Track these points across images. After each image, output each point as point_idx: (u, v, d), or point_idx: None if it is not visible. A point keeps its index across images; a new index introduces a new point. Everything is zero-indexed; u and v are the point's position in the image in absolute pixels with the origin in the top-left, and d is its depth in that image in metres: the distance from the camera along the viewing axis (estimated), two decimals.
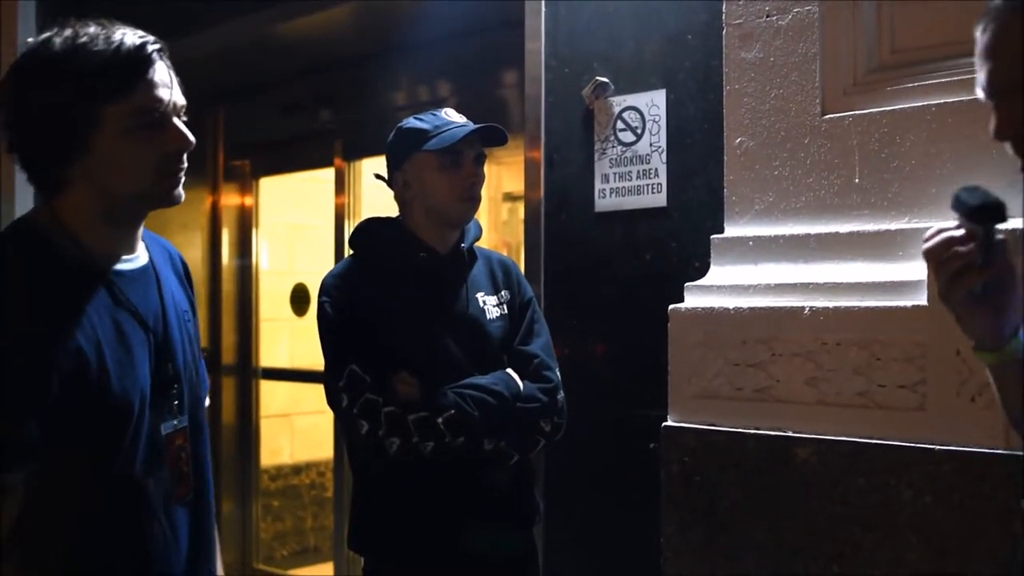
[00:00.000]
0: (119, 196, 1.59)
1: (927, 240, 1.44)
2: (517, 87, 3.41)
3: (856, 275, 2.13)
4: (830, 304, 2.11)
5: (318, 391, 2.29)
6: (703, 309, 2.31)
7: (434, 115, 2.28)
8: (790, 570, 2.11)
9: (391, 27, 3.75)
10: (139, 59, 1.54)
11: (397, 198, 2.33)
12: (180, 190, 1.63)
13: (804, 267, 2.23)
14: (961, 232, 1.40)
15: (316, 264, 5.12)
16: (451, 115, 2.28)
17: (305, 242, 5.63)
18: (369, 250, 2.30)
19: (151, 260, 1.73)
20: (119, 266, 1.64)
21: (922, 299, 1.99)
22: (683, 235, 2.70)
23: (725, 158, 2.39)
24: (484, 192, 2.36)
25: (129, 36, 1.55)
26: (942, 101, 2.10)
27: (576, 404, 2.35)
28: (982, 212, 1.38)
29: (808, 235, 2.24)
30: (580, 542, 2.89)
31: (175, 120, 1.60)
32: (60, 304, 1.52)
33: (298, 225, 5.65)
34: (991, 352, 1.46)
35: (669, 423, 2.32)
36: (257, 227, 5.03)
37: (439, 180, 2.22)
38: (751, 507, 2.18)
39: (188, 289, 1.85)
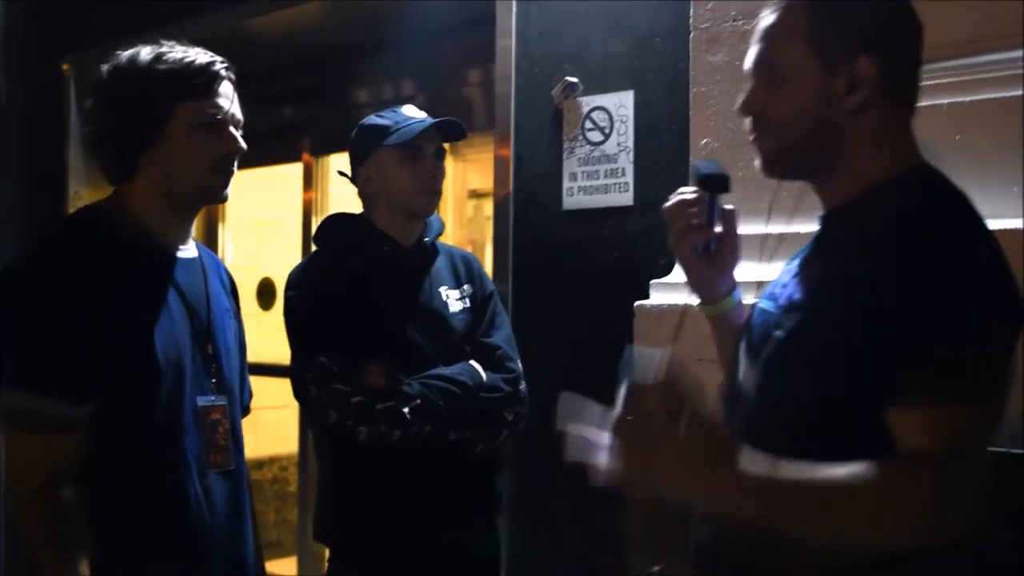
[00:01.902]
0: (178, 185, 1.86)
1: (668, 201, 1.67)
2: (487, 86, 3.44)
3: None
4: None
5: (283, 385, 2.33)
6: (668, 305, 2.35)
7: (394, 111, 2.34)
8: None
9: (362, 24, 3.77)
10: (210, 70, 1.85)
11: (360, 194, 2.38)
12: (228, 191, 1.91)
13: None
14: (693, 197, 1.64)
15: (282, 259, 5.12)
16: (411, 111, 2.34)
17: (271, 237, 5.62)
18: (334, 245, 2.34)
19: (201, 258, 2.00)
20: (172, 252, 1.92)
21: None
22: (649, 233, 2.74)
23: (691, 158, 2.44)
24: (449, 189, 2.41)
25: (204, 54, 1.88)
26: None
27: (542, 397, 2.39)
28: (708, 181, 1.65)
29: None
30: (543, 532, 2.93)
31: (232, 128, 1.88)
32: (119, 277, 1.78)
33: (264, 220, 5.65)
34: (710, 306, 1.75)
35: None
36: (223, 221, 5.03)
37: (400, 174, 2.27)
38: None
39: (232, 298, 2.10)
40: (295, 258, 4.51)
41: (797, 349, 1.37)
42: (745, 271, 2.27)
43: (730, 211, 1.72)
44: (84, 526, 1.71)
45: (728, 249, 1.72)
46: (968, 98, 2.06)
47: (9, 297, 1.76)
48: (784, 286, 1.52)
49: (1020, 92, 2.00)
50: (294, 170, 4.58)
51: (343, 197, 4.42)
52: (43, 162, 4.78)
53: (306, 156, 4.44)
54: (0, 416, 1.74)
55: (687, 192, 1.67)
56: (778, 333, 1.42)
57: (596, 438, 1.25)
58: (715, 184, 1.66)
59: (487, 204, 6.24)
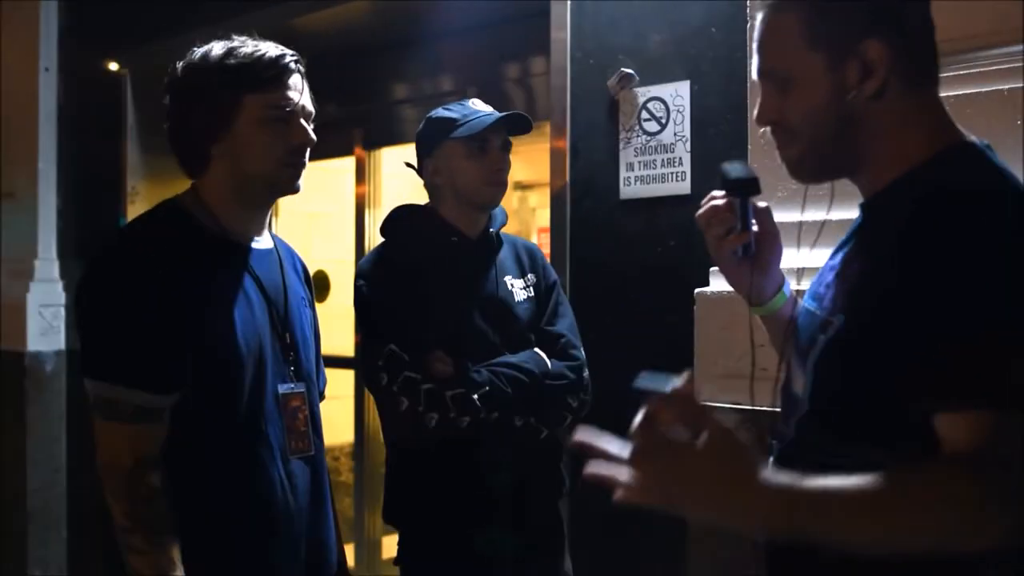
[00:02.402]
0: (250, 176, 1.89)
1: (699, 208, 1.65)
2: (542, 78, 3.48)
3: None
4: None
5: (337, 376, 2.38)
6: (728, 292, 2.38)
7: (462, 105, 2.39)
8: None
9: (415, 17, 3.81)
10: (279, 63, 1.88)
11: (427, 185, 2.42)
12: (300, 182, 1.93)
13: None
14: (723, 202, 1.62)
15: (334, 252, 5.19)
16: (478, 105, 2.39)
17: (323, 230, 5.69)
18: (401, 236, 2.39)
19: (276, 248, 2.04)
20: (249, 243, 1.96)
21: None
22: None
23: (749, 147, 2.47)
24: None
25: (274, 48, 1.90)
26: (965, 92, 2.17)
27: (602, 385, 2.43)
28: (737, 185, 1.60)
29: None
30: (605, 517, 2.96)
31: (302, 120, 1.90)
32: (199, 268, 1.83)
33: (316, 213, 5.72)
34: (759, 307, 1.71)
35: None
36: (276, 215, 5.10)
37: (467, 166, 2.31)
38: None
39: (306, 288, 2.14)
40: (347, 251, 4.59)
41: (843, 353, 1.32)
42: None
43: (764, 209, 1.68)
44: (172, 511, 1.76)
45: (768, 249, 1.68)
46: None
47: (94, 291, 1.80)
48: (827, 286, 1.47)
49: (996, 87, 2.03)
50: (345, 164, 4.63)
51: (395, 191, 4.50)
52: (101, 160, 4.89)
53: (358, 150, 4.49)
54: (90, 406, 1.78)
55: (718, 197, 1.64)
56: (823, 336, 1.37)
57: (618, 454, 1.22)
58: (745, 188, 1.61)
59: (532, 195, 6.31)
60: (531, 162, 5.05)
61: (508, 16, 3.54)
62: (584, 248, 3.07)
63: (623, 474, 1.19)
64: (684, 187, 2.83)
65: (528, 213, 6.40)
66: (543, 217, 6.34)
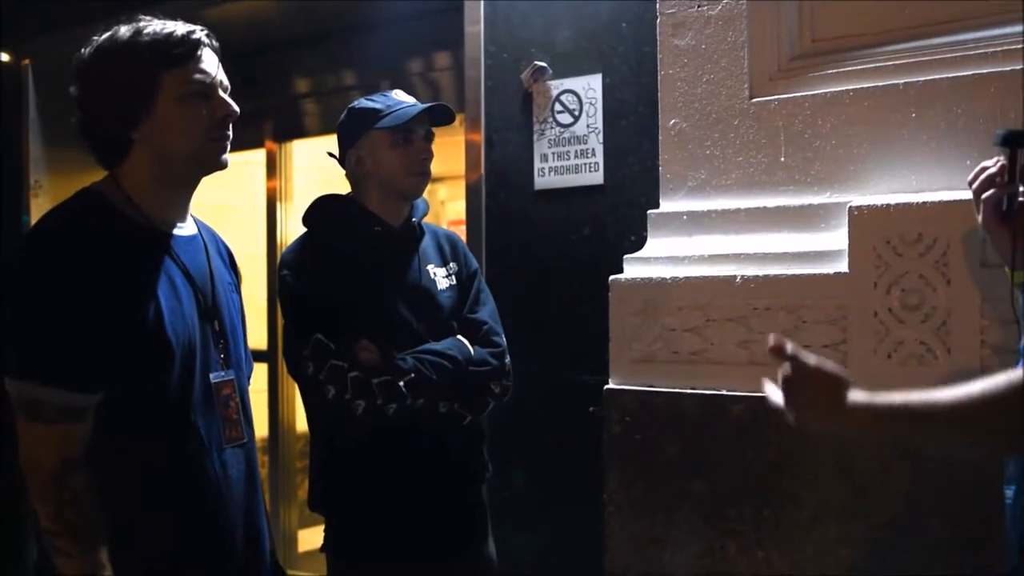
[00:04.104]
0: (174, 157, 1.84)
1: (972, 178, 1.83)
2: (456, 70, 3.53)
3: (783, 246, 2.32)
4: (759, 272, 2.29)
5: (255, 369, 2.37)
6: (642, 279, 2.47)
7: (384, 96, 2.42)
8: (724, 516, 2.29)
9: (327, 9, 3.82)
10: (191, 38, 1.83)
11: (349, 176, 2.44)
12: (226, 156, 1.89)
13: (735, 239, 2.41)
14: (995, 166, 1.78)
15: (245, 246, 5.15)
16: (400, 95, 2.42)
17: (231, 223, 5.64)
18: (324, 226, 2.41)
19: (200, 233, 1.99)
20: (172, 231, 1.91)
21: (843, 267, 2.19)
22: (619, 211, 2.87)
23: (660, 138, 2.56)
24: None
25: (182, 24, 1.86)
26: (858, 86, 2.29)
27: (520, 370, 2.50)
28: (1008, 137, 1.75)
29: (738, 209, 2.42)
30: (526, 499, 3.04)
31: (221, 93, 1.86)
32: (122, 259, 1.77)
33: (223, 207, 5.67)
34: (1014, 271, 1.76)
35: (611, 386, 2.48)
36: None
37: (392, 156, 2.35)
38: (688, 461, 2.36)
39: (232, 272, 2.07)
40: (258, 244, 4.57)
41: None
42: (718, 244, 2.42)
43: None
44: (100, 511, 1.73)
45: None
46: (922, 78, 2.20)
47: (12, 289, 1.73)
48: None
49: (970, 72, 2.14)
50: (255, 157, 4.61)
51: (307, 183, 4.50)
52: (1, 153, 4.76)
53: (269, 143, 4.48)
54: (13, 407, 1.72)
55: (990, 164, 1.80)
56: None
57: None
58: (1014, 139, 1.75)
59: (441, 188, 6.35)
60: (441, 155, 5.08)
61: (422, 10, 3.57)
62: (500, 238, 3.14)
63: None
64: (597, 177, 2.91)
65: (438, 205, 6.44)
66: (453, 209, 6.40)
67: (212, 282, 1.94)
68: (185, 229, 1.94)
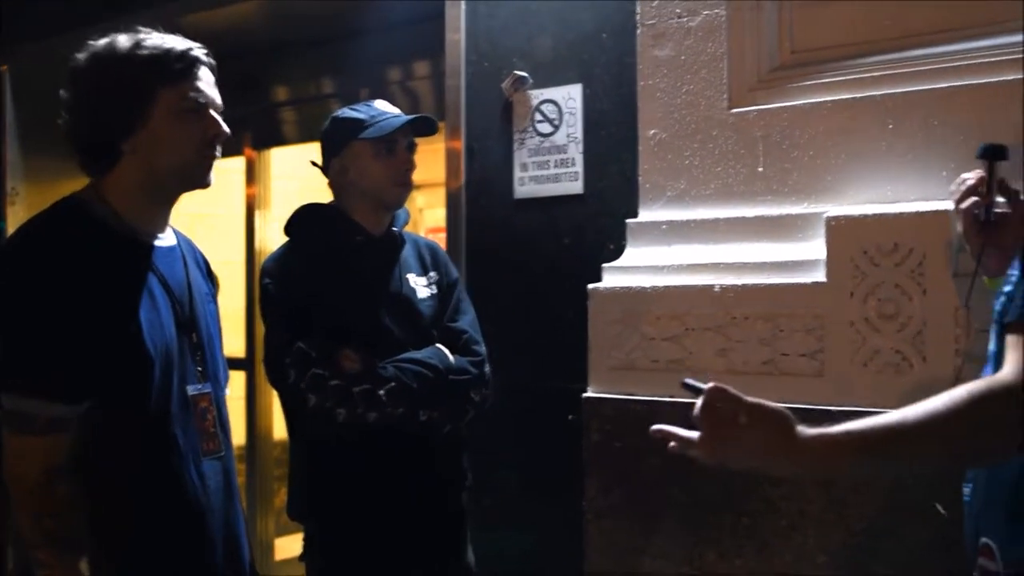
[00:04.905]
0: (161, 171, 1.85)
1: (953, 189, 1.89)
2: (437, 79, 3.54)
3: (761, 255, 2.33)
4: (738, 282, 2.31)
5: (231, 378, 2.36)
6: (621, 288, 2.48)
7: (368, 106, 2.43)
8: (703, 525, 2.30)
9: (308, 17, 3.82)
10: (190, 55, 1.85)
11: (332, 184, 2.45)
12: (211, 176, 1.90)
13: (713, 248, 2.42)
14: (973, 177, 1.84)
15: (223, 253, 5.13)
16: (384, 106, 2.44)
17: (209, 231, 5.62)
18: (307, 234, 2.42)
19: (179, 244, 2.00)
20: (153, 242, 1.91)
21: (820, 276, 2.21)
22: (598, 220, 2.88)
23: (639, 148, 2.57)
24: None
25: (181, 40, 1.88)
26: (836, 98, 2.31)
27: (500, 379, 2.51)
28: (987, 149, 1.83)
29: (717, 219, 2.44)
30: (505, 507, 3.04)
31: (213, 113, 1.88)
32: (103, 270, 1.77)
33: (204, 214, 5.65)
34: (991, 280, 1.82)
35: (590, 394, 2.49)
36: None
37: (375, 166, 2.36)
38: (667, 470, 2.36)
39: (209, 283, 2.07)
40: (236, 252, 4.56)
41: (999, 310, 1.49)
42: (697, 253, 2.44)
43: (1015, 191, 1.84)
44: (81, 523, 1.72)
45: (1010, 226, 1.82)
46: (900, 90, 2.22)
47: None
48: None
49: (947, 84, 2.17)
50: (234, 164, 4.59)
51: (285, 191, 4.49)
52: None
53: (248, 151, 4.47)
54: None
55: (970, 176, 1.86)
56: (998, 297, 1.52)
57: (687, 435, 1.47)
58: (993, 152, 1.83)
59: (419, 196, 6.35)
60: (420, 163, 5.07)
61: (403, 18, 3.58)
62: (480, 247, 3.15)
63: (694, 448, 1.44)
64: (576, 187, 2.93)
65: (416, 213, 6.45)
66: (431, 217, 6.41)
67: (190, 293, 1.95)
68: (164, 240, 1.95)
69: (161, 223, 1.95)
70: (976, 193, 1.84)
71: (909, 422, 1.33)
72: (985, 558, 1.46)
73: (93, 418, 1.74)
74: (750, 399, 1.40)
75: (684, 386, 1.47)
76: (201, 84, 1.86)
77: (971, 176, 1.86)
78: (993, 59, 2.13)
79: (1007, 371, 1.30)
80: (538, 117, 2.99)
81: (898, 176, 2.21)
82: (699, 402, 1.42)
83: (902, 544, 2.07)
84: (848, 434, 1.35)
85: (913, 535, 2.06)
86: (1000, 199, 1.83)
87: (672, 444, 1.48)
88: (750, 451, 1.39)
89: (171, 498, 1.82)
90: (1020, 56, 2.09)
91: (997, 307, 1.51)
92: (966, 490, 1.56)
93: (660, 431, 1.50)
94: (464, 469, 2.50)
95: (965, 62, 2.17)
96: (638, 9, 2.59)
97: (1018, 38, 2.10)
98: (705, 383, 1.43)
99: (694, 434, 1.43)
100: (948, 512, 1.96)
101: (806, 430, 1.37)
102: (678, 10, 2.52)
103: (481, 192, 3.14)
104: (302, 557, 2.42)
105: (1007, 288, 1.47)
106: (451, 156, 3.19)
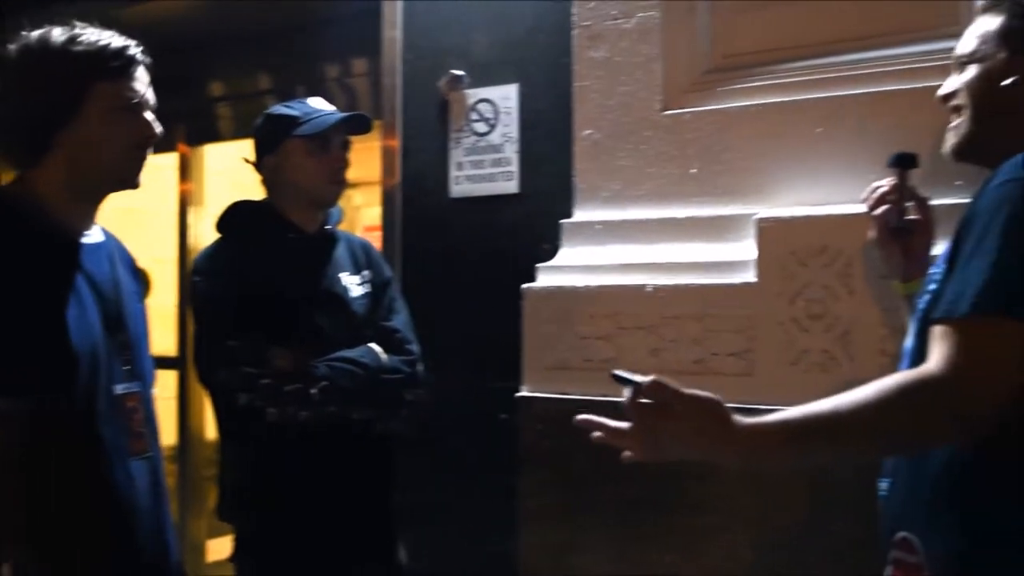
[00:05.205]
0: (91, 169, 1.82)
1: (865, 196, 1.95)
2: (373, 77, 3.52)
3: (692, 256, 2.36)
4: (670, 282, 2.33)
5: (162, 377, 2.35)
6: (555, 288, 2.49)
7: (302, 103, 2.41)
8: (636, 523, 2.32)
9: (244, 12, 3.77)
10: (127, 53, 1.83)
11: (265, 182, 2.43)
12: (141, 177, 1.88)
13: (647, 248, 2.44)
14: (886, 184, 1.91)
15: (155, 250, 5.06)
16: (318, 103, 2.42)
17: (141, 227, 5.53)
18: (239, 232, 2.39)
19: (107, 242, 1.96)
20: (80, 239, 1.87)
21: (750, 277, 2.24)
22: (533, 220, 2.88)
23: (574, 149, 2.59)
24: None
25: (118, 37, 1.85)
26: (767, 101, 2.34)
27: (434, 378, 2.51)
28: (898, 158, 1.90)
29: (650, 220, 2.46)
30: (438, 506, 3.04)
31: (148, 112, 1.86)
32: (26, 265, 1.74)
33: (135, 209, 5.55)
34: (903, 284, 1.88)
35: (524, 393, 2.50)
36: None
37: (310, 164, 2.34)
38: (600, 468, 2.37)
39: (137, 280, 2.04)
40: (169, 249, 4.50)
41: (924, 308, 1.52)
42: (630, 253, 2.45)
43: (924, 199, 1.92)
44: (4, 522, 1.70)
45: (919, 234, 1.90)
46: (829, 94, 2.26)
47: None
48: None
49: (875, 89, 2.21)
50: (165, 160, 4.52)
51: (219, 188, 4.44)
52: None
53: (182, 146, 4.41)
54: None
55: (882, 183, 1.92)
56: (923, 296, 1.56)
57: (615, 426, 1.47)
58: (904, 161, 1.90)
59: (356, 194, 6.31)
60: (357, 161, 5.06)
61: (339, 14, 3.56)
62: (415, 245, 3.15)
63: (624, 440, 1.45)
64: (512, 186, 2.94)
65: (353, 211, 6.41)
66: (367, 215, 6.37)
67: (118, 292, 1.92)
68: (91, 237, 1.91)
69: (88, 220, 1.91)
70: (888, 201, 1.90)
71: (842, 411, 1.35)
72: (903, 551, 1.49)
73: (18, 416, 1.70)
74: (686, 390, 1.40)
75: (614, 378, 1.45)
76: (137, 83, 1.84)
77: (883, 184, 1.92)
78: (920, 64, 2.18)
79: (934, 364, 1.32)
80: (474, 116, 2.99)
81: (827, 179, 2.24)
82: (629, 393, 1.42)
83: (827, 540, 2.11)
84: (783, 423, 1.38)
85: (838, 532, 2.09)
86: (910, 204, 1.90)
87: (597, 434, 1.48)
88: (685, 442, 1.39)
89: (98, 498, 1.79)
90: (946, 62, 2.14)
91: (921, 304, 1.54)
92: (882, 485, 1.59)
93: (586, 421, 1.50)
94: (397, 468, 2.49)
95: (893, 67, 2.22)
96: (574, 10, 2.60)
97: (943, 44, 2.15)
98: (636, 375, 1.43)
99: (623, 425, 1.43)
100: (861, 512, 2.00)
101: (741, 419, 1.38)
102: (613, 12, 2.54)
103: (417, 191, 3.13)
104: (232, 558, 2.39)
105: (931, 286, 1.51)
106: (387, 154, 3.18)
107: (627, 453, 1.46)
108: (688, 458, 1.43)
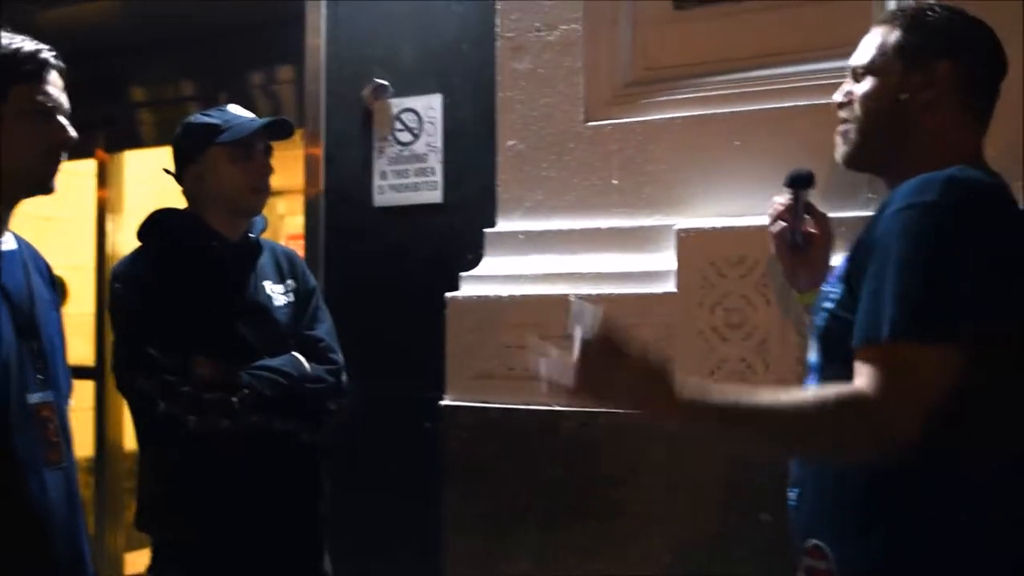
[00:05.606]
0: (6, 173, 1.79)
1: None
2: (296, 84, 3.49)
3: (614, 266, 2.40)
4: (592, 291, 2.35)
5: (80, 387, 2.31)
6: (478, 297, 2.51)
7: (221, 110, 2.39)
8: (558, 530, 2.34)
9: (165, 18, 3.72)
10: (39, 57, 1.81)
11: (187, 192, 2.40)
12: (56, 182, 1.86)
13: (569, 258, 2.47)
14: (784, 201, 1.98)
15: (72, 258, 4.96)
16: (237, 110, 2.40)
17: (56, 234, 5.41)
18: (161, 239, 2.36)
19: (20, 249, 1.93)
20: None
21: (671, 286, 2.28)
22: (457, 229, 2.90)
23: (498, 159, 2.61)
24: None
25: (31, 41, 1.82)
26: (687, 114, 2.39)
27: (357, 387, 2.50)
28: (793, 178, 1.96)
29: (573, 230, 2.49)
30: (363, 516, 3.03)
31: (61, 116, 1.84)
32: None
33: (52, 217, 5.44)
34: (802, 294, 1.97)
35: (447, 402, 2.51)
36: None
37: (232, 172, 2.32)
38: (524, 476, 2.40)
39: (51, 289, 2.01)
40: (87, 257, 4.41)
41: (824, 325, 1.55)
42: (553, 263, 2.48)
43: (821, 213, 1.99)
44: None
45: (816, 247, 1.96)
46: (746, 108, 2.31)
47: None
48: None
49: (789, 104, 2.27)
50: (83, 167, 4.44)
51: (140, 196, 4.36)
52: None
53: (100, 153, 4.33)
54: None
55: (780, 197, 1.98)
56: (819, 312, 1.59)
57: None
58: (799, 180, 1.96)
59: (280, 202, 6.26)
60: (280, 169, 5.02)
61: (262, 21, 3.52)
62: (338, 254, 3.14)
63: (572, 376, 1.42)
64: (436, 196, 2.95)
65: (277, 220, 6.35)
66: (292, 224, 6.32)
67: (31, 300, 1.89)
68: (4, 244, 1.88)
69: (1, 227, 1.88)
70: (783, 218, 1.97)
71: (780, 405, 1.40)
72: (813, 558, 1.52)
73: None
74: (636, 347, 1.42)
75: (573, 301, 1.46)
76: (50, 88, 1.82)
77: (781, 200, 1.99)
78: (831, 81, 2.20)
79: (866, 385, 1.35)
80: (398, 126, 3.00)
81: (745, 190, 2.29)
82: (581, 327, 1.41)
83: (741, 544, 2.15)
84: (721, 405, 1.41)
85: (751, 536, 2.14)
86: (808, 216, 1.97)
87: (543, 368, 1.47)
88: (629, 396, 1.42)
89: (11, 509, 1.76)
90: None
91: (818, 321, 1.58)
92: (791, 494, 1.63)
93: (540, 344, 1.51)
94: (321, 478, 2.47)
95: (806, 82, 2.28)
96: (498, 21, 2.63)
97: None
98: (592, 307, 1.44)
99: (571, 360, 1.41)
100: (774, 517, 2.05)
101: (684, 390, 1.41)
102: (537, 24, 2.57)
103: (340, 199, 3.12)
104: (150, 569, 2.35)
105: (827, 304, 1.55)
106: (310, 162, 3.17)
107: (568, 396, 1.46)
108: (622, 410, 1.44)
